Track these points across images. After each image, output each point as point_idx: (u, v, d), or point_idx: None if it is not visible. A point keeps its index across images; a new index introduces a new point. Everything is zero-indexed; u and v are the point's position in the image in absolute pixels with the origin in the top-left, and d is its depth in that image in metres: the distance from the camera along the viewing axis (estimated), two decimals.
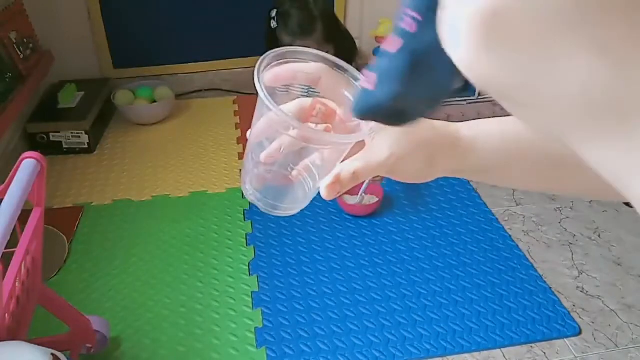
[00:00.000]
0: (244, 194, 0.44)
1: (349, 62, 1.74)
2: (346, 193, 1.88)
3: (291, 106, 0.43)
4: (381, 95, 0.25)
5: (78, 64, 2.50)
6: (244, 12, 2.52)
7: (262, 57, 0.40)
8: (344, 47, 1.84)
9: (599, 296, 1.52)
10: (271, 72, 0.42)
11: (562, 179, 0.47)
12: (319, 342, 1.38)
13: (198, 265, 1.63)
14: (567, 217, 1.81)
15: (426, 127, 0.44)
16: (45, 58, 2.32)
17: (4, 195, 0.96)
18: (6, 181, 0.99)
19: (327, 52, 1.56)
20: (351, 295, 1.53)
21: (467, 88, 0.24)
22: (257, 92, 0.37)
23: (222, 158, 2.17)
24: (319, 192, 0.43)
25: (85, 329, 1.26)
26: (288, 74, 0.43)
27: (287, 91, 0.44)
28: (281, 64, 0.42)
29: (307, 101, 0.43)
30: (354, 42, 1.90)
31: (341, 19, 2.43)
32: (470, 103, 2.57)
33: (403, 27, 0.23)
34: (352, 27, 1.98)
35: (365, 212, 1.81)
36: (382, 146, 0.42)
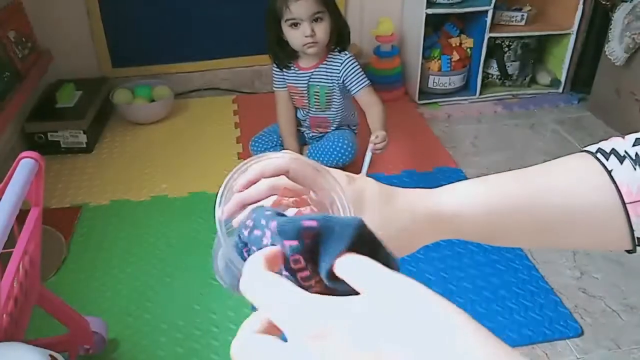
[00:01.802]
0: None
1: (342, 43, 1.70)
2: None
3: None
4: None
5: (76, 63, 2.49)
6: (244, 11, 2.51)
7: (225, 180, 0.40)
8: (337, 23, 1.85)
9: (601, 297, 1.51)
10: (237, 181, 0.41)
11: (549, 240, 0.48)
12: None
13: (197, 265, 1.62)
14: None
15: (406, 217, 0.43)
16: (43, 57, 2.31)
17: (2, 195, 0.95)
18: (4, 181, 0.98)
19: (321, 20, 1.54)
20: None
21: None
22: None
23: (221, 158, 2.16)
24: None
25: (84, 330, 1.26)
26: (255, 174, 0.41)
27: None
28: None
29: (270, 201, 0.42)
30: (348, 26, 1.90)
31: None
32: (471, 102, 2.56)
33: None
34: (352, 26, 1.97)
35: None
36: None
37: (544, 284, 1.55)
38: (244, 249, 0.34)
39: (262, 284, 0.28)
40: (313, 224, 0.29)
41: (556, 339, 1.39)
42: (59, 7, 2.39)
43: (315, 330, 0.26)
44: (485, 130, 2.35)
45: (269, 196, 0.42)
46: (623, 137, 0.47)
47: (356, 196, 0.41)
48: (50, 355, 0.95)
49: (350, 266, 0.28)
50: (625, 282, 1.56)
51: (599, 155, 0.46)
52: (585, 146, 0.49)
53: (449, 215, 0.44)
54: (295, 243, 0.29)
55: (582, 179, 0.46)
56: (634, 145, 0.45)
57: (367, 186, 0.43)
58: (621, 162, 0.45)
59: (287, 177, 0.42)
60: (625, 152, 0.45)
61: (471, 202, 0.45)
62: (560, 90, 2.60)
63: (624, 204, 0.44)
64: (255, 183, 0.42)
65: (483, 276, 1.58)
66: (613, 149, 0.46)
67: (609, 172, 0.45)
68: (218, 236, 0.38)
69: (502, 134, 2.31)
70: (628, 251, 0.47)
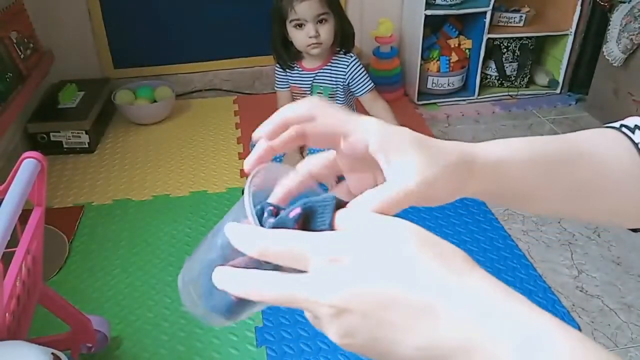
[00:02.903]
0: (183, 301, 0.41)
1: (347, 45, 1.71)
2: None
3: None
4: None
5: (78, 63, 2.50)
6: (244, 12, 2.53)
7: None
8: (342, 25, 1.86)
9: (599, 295, 1.52)
10: (261, 130, 0.39)
11: (577, 204, 0.48)
12: (319, 341, 1.38)
13: None
14: None
15: (452, 150, 0.40)
16: (45, 58, 2.32)
17: (5, 194, 0.96)
18: (7, 181, 0.99)
19: (326, 21, 1.57)
20: None
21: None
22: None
23: (222, 158, 2.17)
24: None
25: (86, 328, 1.27)
26: (279, 123, 0.39)
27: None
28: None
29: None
30: (352, 28, 1.92)
31: None
32: (470, 103, 2.57)
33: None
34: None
35: None
36: (408, 173, 0.37)
37: (542, 282, 1.56)
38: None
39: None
40: (298, 211, 0.34)
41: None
42: (61, 8, 2.40)
43: (334, 254, 0.32)
44: (484, 131, 2.36)
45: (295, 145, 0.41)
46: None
47: (394, 138, 0.39)
48: (53, 354, 0.95)
49: (348, 215, 0.34)
50: (622, 281, 1.57)
51: (624, 129, 0.48)
52: None
53: (492, 161, 0.42)
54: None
55: (611, 147, 0.47)
56: None
57: (404, 130, 0.40)
58: None
59: (314, 124, 0.40)
60: None
61: (513, 152, 0.44)
62: (558, 90, 2.61)
63: None
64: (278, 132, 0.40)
65: None
66: (636, 125, 0.48)
67: (636, 145, 0.46)
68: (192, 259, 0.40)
69: (501, 134, 2.33)
70: (634, 230, 0.49)
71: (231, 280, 0.35)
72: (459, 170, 0.40)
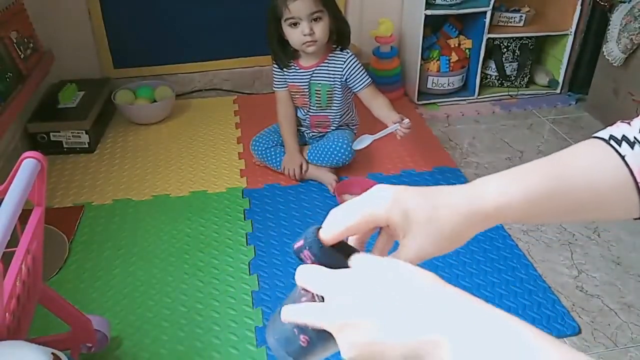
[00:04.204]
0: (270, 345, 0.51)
1: (343, 42, 1.73)
2: (347, 192, 1.88)
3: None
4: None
5: (78, 63, 2.50)
6: (244, 12, 2.53)
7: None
8: (337, 22, 1.87)
9: (599, 295, 1.52)
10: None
11: (576, 216, 0.58)
12: None
13: (198, 264, 1.63)
14: None
15: (455, 222, 0.52)
16: (45, 58, 2.32)
17: (5, 194, 0.96)
18: (6, 181, 0.99)
19: (320, 19, 1.60)
20: None
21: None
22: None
23: (222, 158, 2.17)
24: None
25: (86, 328, 1.27)
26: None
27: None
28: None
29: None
30: (348, 25, 1.92)
31: None
32: (470, 102, 2.57)
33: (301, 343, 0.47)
34: (352, 27, 1.99)
35: None
36: (412, 247, 0.52)
37: (542, 282, 1.56)
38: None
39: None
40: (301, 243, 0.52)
41: (554, 337, 1.40)
42: (61, 7, 2.40)
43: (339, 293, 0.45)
44: (484, 131, 2.36)
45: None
46: (629, 123, 0.55)
47: (404, 218, 0.51)
48: (53, 354, 0.95)
49: (358, 258, 0.48)
50: (622, 280, 1.57)
51: (612, 142, 0.54)
52: None
53: (492, 211, 0.53)
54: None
55: (601, 166, 0.54)
56: None
57: (409, 206, 0.51)
58: (632, 147, 0.52)
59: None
60: (635, 137, 0.53)
61: (509, 198, 0.53)
62: (558, 90, 2.61)
63: (635, 182, 0.52)
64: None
65: (481, 274, 1.59)
66: (624, 135, 0.53)
67: (623, 157, 0.53)
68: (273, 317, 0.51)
69: (500, 134, 2.33)
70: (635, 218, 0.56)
71: (286, 312, 0.47)
72: (460, 231, 0.53)
